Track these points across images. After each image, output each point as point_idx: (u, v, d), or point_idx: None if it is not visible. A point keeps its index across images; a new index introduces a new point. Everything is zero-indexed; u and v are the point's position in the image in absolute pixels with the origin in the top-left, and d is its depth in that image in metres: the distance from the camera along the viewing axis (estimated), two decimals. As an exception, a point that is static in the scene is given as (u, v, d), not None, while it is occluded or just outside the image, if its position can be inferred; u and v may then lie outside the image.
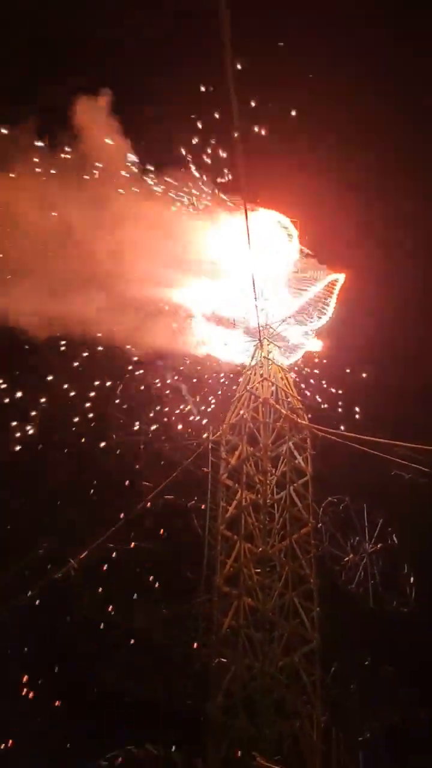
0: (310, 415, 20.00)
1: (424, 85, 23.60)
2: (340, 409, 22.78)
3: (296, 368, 22.19)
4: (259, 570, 17.79)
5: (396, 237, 25.63)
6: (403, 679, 19.63)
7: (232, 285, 20.07)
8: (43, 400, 19.57)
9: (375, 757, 18.54)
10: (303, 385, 22.45)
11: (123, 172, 19.19)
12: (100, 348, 19.85)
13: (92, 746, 17.43)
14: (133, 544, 19.30)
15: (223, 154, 20.19)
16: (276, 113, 22.12)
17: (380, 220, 25.68)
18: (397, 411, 24.12)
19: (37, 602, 18.22)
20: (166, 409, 21.42)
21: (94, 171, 18.61)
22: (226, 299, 20.66)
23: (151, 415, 20.93)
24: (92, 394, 20.41)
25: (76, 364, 20.25)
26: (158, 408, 21.35)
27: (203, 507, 18.98)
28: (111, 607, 18.61)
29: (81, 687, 18.25)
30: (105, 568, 18.80)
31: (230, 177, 19.95)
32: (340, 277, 21.33)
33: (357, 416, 22.68)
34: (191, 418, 21.39)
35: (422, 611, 20.20)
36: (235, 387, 21.49)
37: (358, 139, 24.44)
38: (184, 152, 20.23)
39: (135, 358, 20.80)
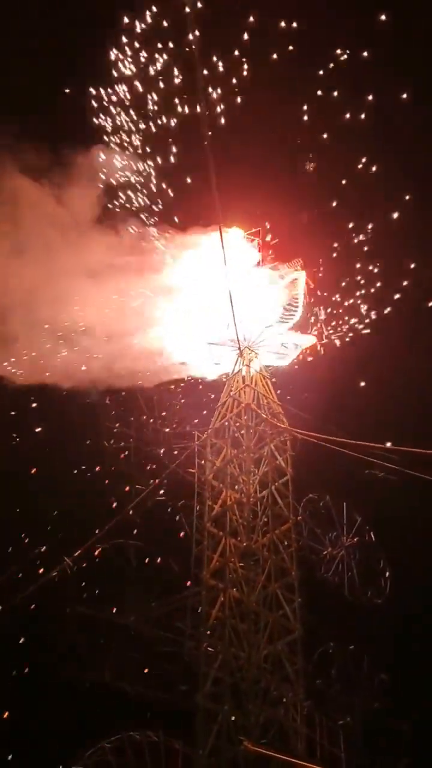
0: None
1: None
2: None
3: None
4: (243, 564, 18.79)
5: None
6: (380, 666, 20.62)
7: (212, 299, 21.37)
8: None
9: (355, 740, 19.49)
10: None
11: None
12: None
13: (88, 736, 18.08)
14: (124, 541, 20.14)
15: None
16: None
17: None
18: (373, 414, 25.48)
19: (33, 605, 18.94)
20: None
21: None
22: (208, 313, 21.91)
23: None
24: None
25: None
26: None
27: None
28: (104, 602, 19.37)
29: (75, 679, 18.89)
30: (98, 565, 19.58)
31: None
32: (301, 275, 22.87)
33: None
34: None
35: (397, 602, 21.34)
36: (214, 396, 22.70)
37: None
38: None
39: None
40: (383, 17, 22.38)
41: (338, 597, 20.70)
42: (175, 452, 20.69)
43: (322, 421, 21.16)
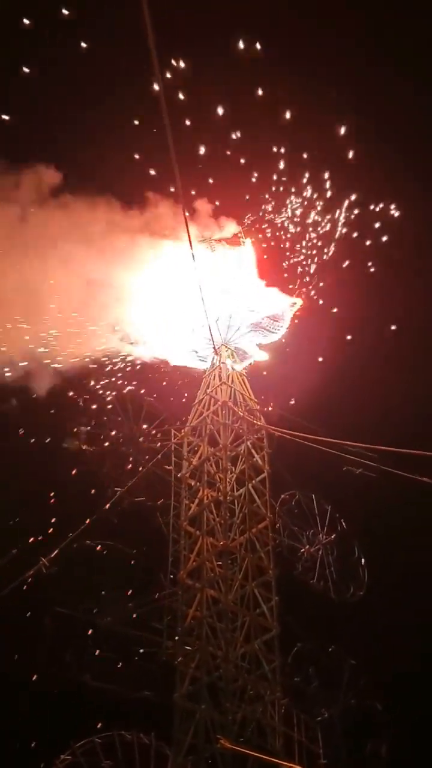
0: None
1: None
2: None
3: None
4: (220, 563, 18.71)
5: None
6: (357, 663, 20.67)
7: (191, 295, 21.13)
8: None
9: (333, 736, 19.54)
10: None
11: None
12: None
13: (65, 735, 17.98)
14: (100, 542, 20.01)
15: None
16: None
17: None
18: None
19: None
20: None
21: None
22: (185, 309, 21.70)
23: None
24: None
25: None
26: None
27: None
28: (80, 602, 19.23)
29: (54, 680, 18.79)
30: (74, 565, 19.40)
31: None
32: (297, 302, 22.82)
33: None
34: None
35: (375, 599, 21.39)
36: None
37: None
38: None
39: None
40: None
41: (316, 594, 20.67)
42: (149, 453, 20.47)
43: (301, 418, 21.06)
